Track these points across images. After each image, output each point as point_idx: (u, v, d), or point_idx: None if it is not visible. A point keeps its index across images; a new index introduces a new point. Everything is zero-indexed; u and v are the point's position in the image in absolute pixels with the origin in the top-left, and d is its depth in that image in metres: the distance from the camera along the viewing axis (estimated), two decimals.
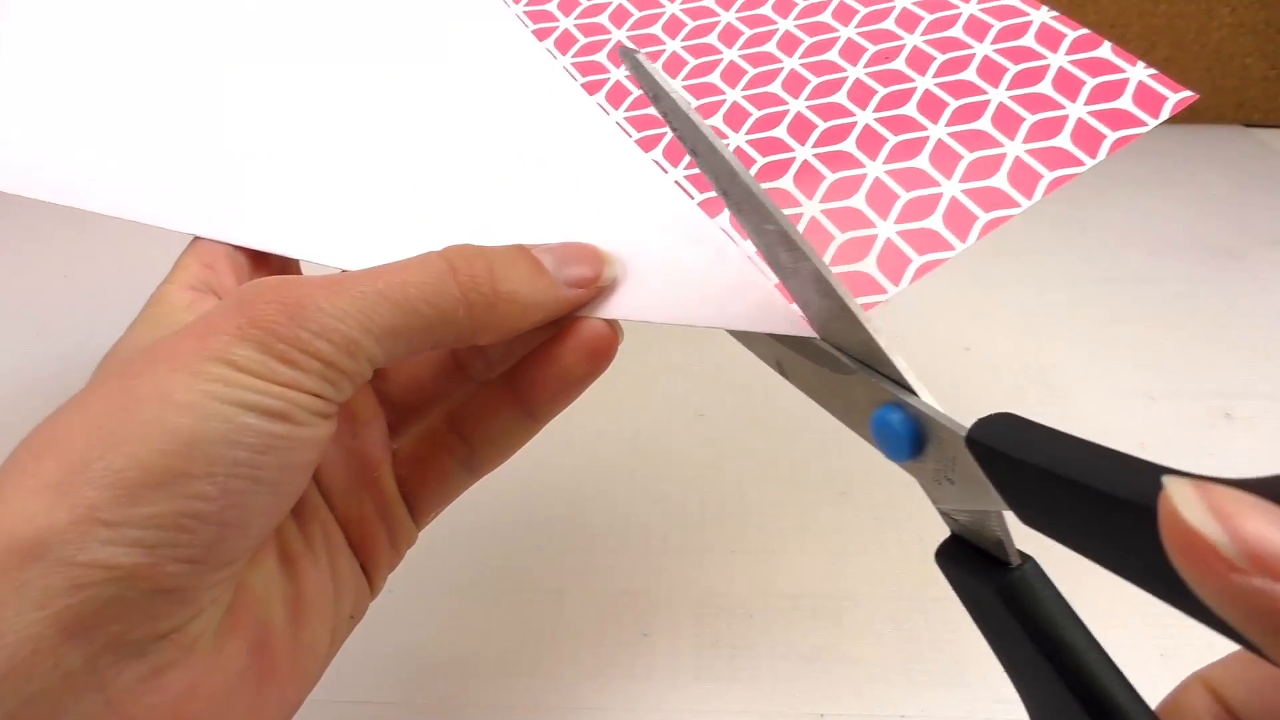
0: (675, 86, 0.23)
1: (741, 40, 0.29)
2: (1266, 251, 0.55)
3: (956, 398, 0.42)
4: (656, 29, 0.30)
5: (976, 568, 0.19)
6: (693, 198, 0.25)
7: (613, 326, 0.23)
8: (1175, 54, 0.70)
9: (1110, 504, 0.14)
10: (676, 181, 0.26)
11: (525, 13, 0.32)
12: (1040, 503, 0.16)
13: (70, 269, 0.54)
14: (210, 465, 0.17)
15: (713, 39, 0.29)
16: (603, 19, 0.32)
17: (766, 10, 0.30)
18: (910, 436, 0.19)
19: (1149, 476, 0.13)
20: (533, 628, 0.32)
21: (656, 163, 0.27)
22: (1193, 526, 0.11)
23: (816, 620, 0.32)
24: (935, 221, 0.24)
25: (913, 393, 0.20)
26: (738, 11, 0.30)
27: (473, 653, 0.32)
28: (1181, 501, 0.11)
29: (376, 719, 0.29)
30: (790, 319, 0.22)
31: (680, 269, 0.23)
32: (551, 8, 0.32)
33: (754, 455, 0.40)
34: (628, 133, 0.28)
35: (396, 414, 0.25)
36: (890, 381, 0.20)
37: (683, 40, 0.30)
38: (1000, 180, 0.24)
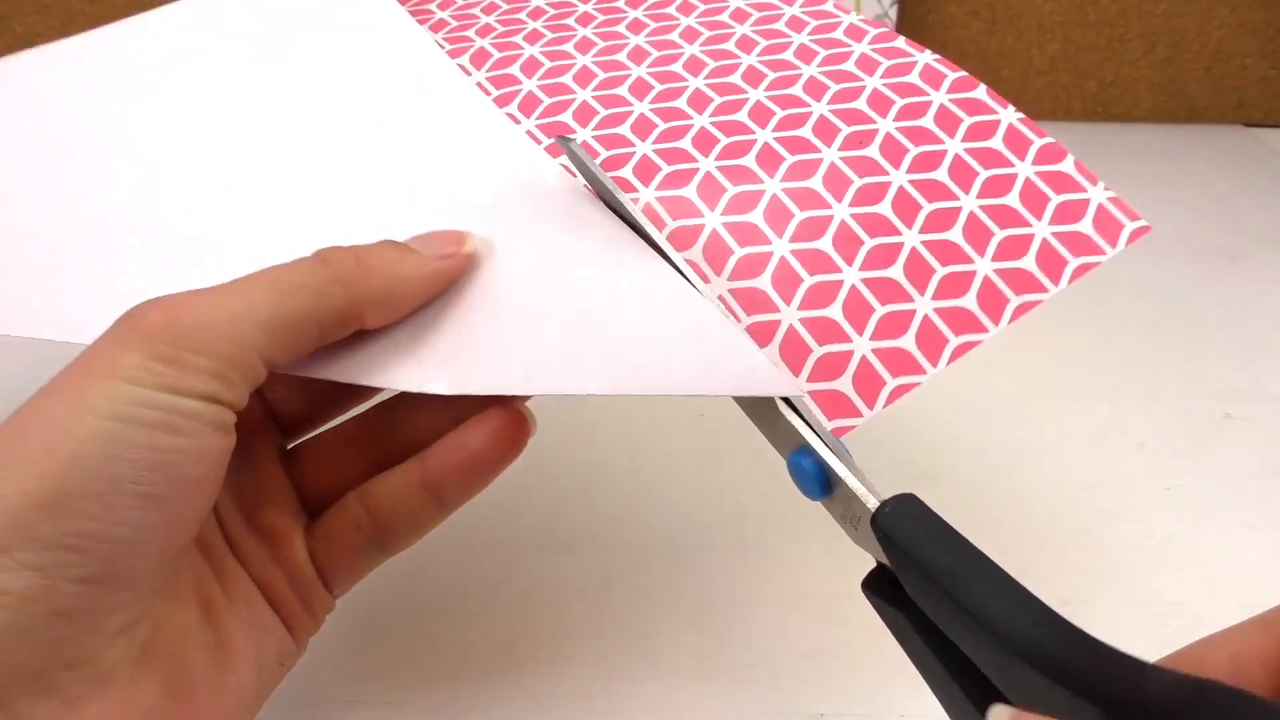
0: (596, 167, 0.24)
1: (712, 107, 0.29)
2: (1266, 252, 0.55)
3: (956, 399, 0.42)
4: (624, 128, 0.29)
5: (894, 597, 0.20)
6: (671, 260, 0.24)
7: (523, 414, 0.23)
8: (1175, 54, 0.70)
9: (979, 627, 0.16)
10: (654, 243, 0.25)
11: (446, 37, 0.31)
12: (922, 593, 0.18)
13: None
14: (92, 483, 0.17)
15: (686, 144, 0.28)
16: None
17: (734, 81, 0.29)
18: (819, 480, 0.21)
19: (1022, 612, 0.16)
20: (532, 628, 0.32)
21: (624, 218, 0.25)
22: None
23: (816, 620, 0.32)
24: (908, 341, 0.24)
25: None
26: (712, 116, 0.28)
27: (472, 653, 0.32)
28: None
29: (376, 719, 0.29)
30: (776, 381, 0.22)
31: (658, 334, 0.23)
32: (472, 33, 0.31)
33: (754, 455, 0.40)
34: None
35: (309, 490, 0.25)
36: (804, 422, 0.22)
37: (653, 143, 0.28)
38: (970, 301, 0.24)
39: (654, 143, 0.27)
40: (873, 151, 0.26)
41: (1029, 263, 0.24)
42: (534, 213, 0.25)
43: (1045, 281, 0.24)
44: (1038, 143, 0.26)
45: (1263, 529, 0.36)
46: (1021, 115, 0.27)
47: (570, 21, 0.33)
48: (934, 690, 0.19)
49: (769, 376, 0.22)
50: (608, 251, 0.24)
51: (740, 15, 0.32)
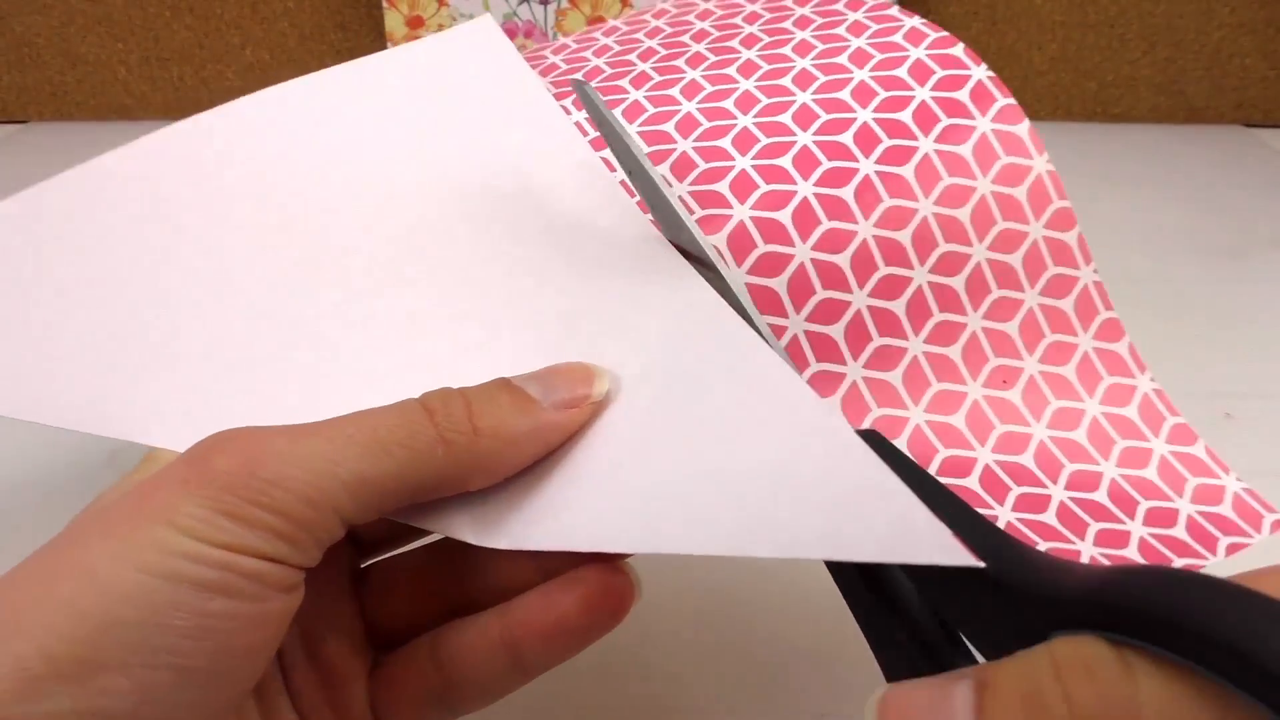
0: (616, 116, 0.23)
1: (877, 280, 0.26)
2: (1266, 251, 0.55)
3: None
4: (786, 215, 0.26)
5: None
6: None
7: (629, 577, 0.20)
8: (1175, 54, 0.70)
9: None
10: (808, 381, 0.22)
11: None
12: None
13: None
14: (126, 654, 0.15)
15: (841, 345, 0.25)
16: (725, 143, 0.27)
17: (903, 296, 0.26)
18: None
19: (968, 529, 0.17)
20: None
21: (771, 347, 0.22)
22: None
23: (816, 620, 0.32)
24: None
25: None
26: (870, 295, 0.26)
27: None
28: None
29: None
30: (945, 546, 0.16)
31: (804, 488, 0.19)
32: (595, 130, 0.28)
33: None
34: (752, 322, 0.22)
35: (376, 620, 0.22)
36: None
37: (806, 320, 0.25)
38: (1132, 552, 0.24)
39: (805, 319, 0.25)
40: (1014, 397, 0.26)
41: (1179, 532, 0.24)
42: (664, 326, 0.22)
43: (1202, 551, 0.24)
44: (1170, 420, 0.26)
45: None
46: (1156, 386, 0.27)
47: (732, 75, 0.30)
48: (874, 643, 0.20)
49: (939, 542, 0.16)
50: (748, 382, 0.20)
51: (865, 123, 0.29)
